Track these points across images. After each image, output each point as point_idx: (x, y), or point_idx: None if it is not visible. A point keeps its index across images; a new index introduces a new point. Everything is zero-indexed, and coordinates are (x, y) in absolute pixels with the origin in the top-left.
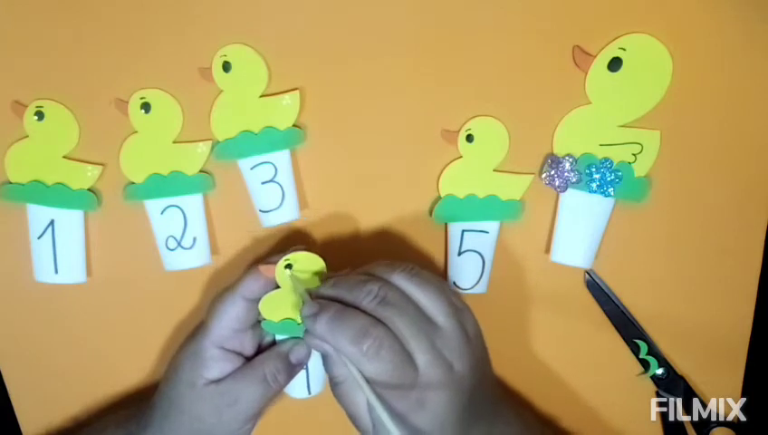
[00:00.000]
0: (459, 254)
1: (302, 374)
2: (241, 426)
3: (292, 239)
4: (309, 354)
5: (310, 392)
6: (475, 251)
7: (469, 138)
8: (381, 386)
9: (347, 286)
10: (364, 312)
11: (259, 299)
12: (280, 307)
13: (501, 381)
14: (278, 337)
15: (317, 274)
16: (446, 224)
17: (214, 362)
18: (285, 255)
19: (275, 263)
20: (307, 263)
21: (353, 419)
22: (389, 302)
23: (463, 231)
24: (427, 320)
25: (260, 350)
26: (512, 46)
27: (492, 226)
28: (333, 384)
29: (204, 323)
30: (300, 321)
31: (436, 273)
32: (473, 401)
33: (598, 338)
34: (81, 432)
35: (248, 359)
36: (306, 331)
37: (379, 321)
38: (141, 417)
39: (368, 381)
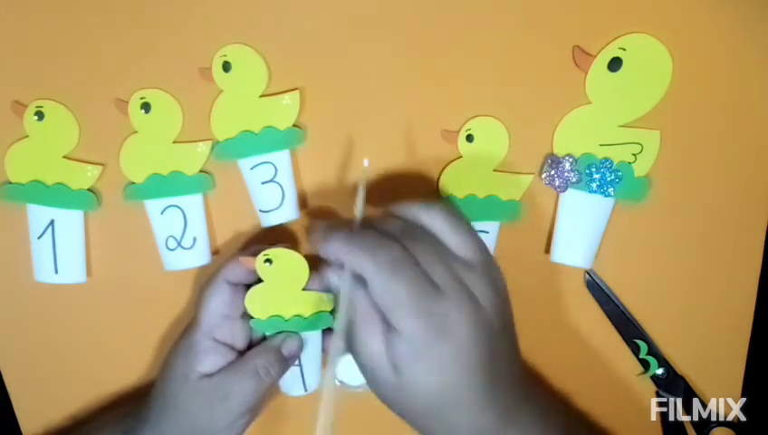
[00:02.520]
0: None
1: (296, 372)
2: (234, 420)
3: (292, 239)
4: (301, 347)
5: (306, 389)
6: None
7: (469, 138)
8: (402, 305)
9: (368, 218)
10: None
11: (243, 283)
12: (266, 303)
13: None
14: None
15: (297, 273)
16: None
17: (206, 355)
18: (266, 249)
19: (255, 255)
20: (288, 261)
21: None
22: (413, 235)
23: None
24: (452, 252)
25: (252, 345)
26: (512, 46)
27: (492, 226)
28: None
29: (194, 316)
30: (286, 317)
31: None
32: (497, 354)
33: (598, 338)
34: (81, 430)
35: (240, 353)
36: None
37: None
38: (139, 414)
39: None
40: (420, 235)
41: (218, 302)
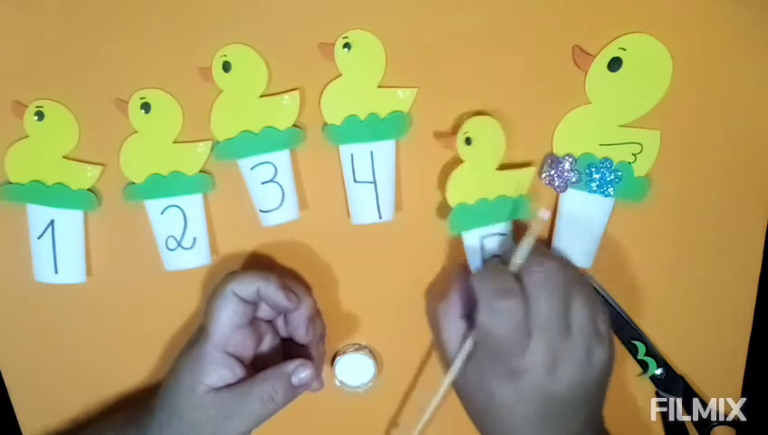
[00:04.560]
0: (483, 261)
1: (371, 196)
2: None
3: (292, 239)
4: (313, 377)
5: (381, 217)
6: (497, 256)
7: (468, 141)
8: (487, 341)
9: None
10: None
11: (251, 300)
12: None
13: None
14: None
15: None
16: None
17: (214, 367)
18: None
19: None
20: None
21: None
22: (550, 284)
23: (482, 238)
24: (566, 323)
25: (263, 356)
26: (512, 46)
27: (507, 226)
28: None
29: (203, 327)
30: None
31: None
32: (561, 417)
33: None
34: (81, 434)
35: (247, 364)
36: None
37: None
38: (140, 421)
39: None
40: (554, 289)
41: (228, 313)
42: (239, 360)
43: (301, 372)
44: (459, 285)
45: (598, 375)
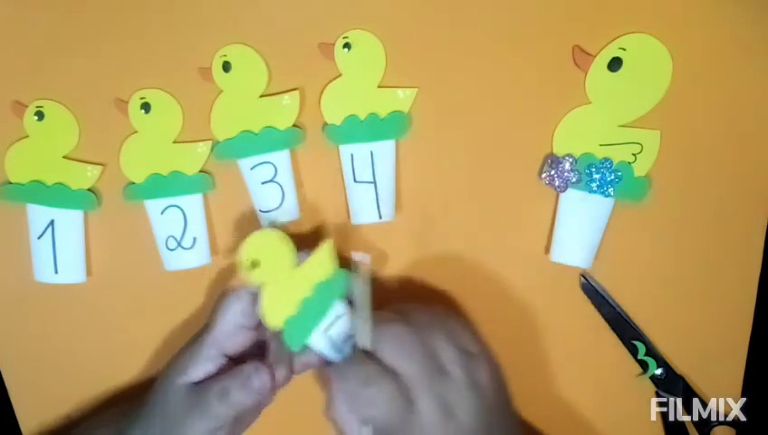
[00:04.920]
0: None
1: (371, 196)
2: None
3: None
4: (269, 383)
5: (381, 217)
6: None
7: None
8: (377, 426)
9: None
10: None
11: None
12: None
13: (530, 428)
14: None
15: (282, 249)
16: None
17: (203, 362)
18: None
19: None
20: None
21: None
22: (403, 345)
23: (324, 332)
24: (437, 366)
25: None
26: (512, 46)
27: (341, 307)
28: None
29: (208, 322)
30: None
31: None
32: (494, 425)
33: (597, 339)
34: (78, 428)
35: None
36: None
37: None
38: (132, 414)
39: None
40: (412, 349)
41: (236, 310)
42: (226, 357)
43: (255, 377)
44: (332, 385)
45: (492, 389)
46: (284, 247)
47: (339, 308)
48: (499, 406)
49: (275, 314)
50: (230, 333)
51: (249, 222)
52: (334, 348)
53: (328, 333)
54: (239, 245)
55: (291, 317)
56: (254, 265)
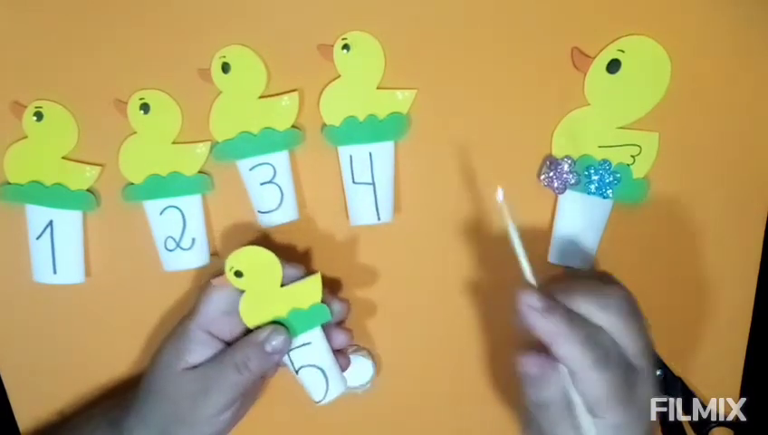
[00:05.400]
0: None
1: (370, 198)
2: (216, 414)
3: (291, 240)
4: (287, 343)
5: (379, 218)
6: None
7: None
8: (601, 402)
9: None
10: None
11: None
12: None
13: (491, 384)
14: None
15: (269, 268)
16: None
17: (196, 346)
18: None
19: (223, 273)
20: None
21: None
22: (631, 309)
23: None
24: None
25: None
26: (511, 48)
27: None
28: (536, 407)
29: (192, 307)
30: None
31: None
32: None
33: None
34: (70, 423)
35: (228, 345)
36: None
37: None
38: (125, 403)
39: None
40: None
41: (221, 296)
42: (223, 341)
43: (273, 338)
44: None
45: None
46: (270, 268)
47: (308, 337)
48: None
49: (249, 319)
50: (213, 318)
51: (248, 223)
52: (293, 368)
53: (290, 355)
54: (236, 249)
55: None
56: (238, 274)
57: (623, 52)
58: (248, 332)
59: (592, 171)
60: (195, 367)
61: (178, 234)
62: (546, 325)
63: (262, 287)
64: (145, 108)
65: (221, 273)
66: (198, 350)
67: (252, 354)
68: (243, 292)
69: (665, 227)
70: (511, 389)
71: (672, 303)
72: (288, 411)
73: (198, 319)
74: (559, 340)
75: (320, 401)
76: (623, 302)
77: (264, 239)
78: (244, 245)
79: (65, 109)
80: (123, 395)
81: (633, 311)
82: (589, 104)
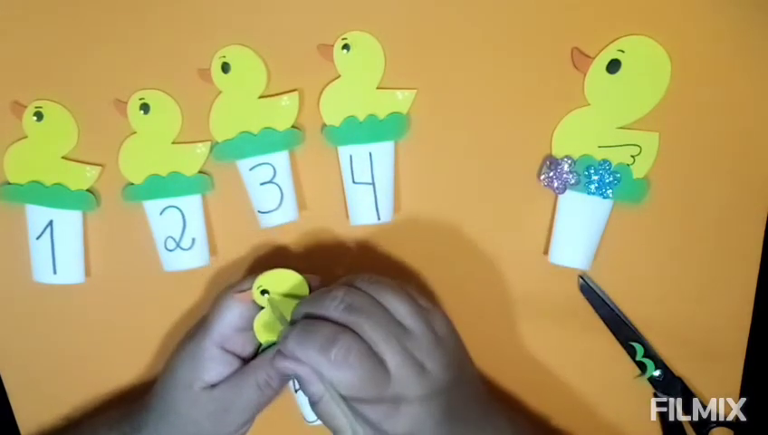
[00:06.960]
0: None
1: (370, 198)
2: (236, 430)
3: (291, 240)
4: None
5: (379, 218)
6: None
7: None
8: (355, 396)
9: (313, 298)
10: (333, 321)
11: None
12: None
13: (491, 385)
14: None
15: (296, 290)
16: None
17: (212, 364)
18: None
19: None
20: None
21: (336, 433)
22: (356, 307)
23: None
24: (396, 323)
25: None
26: (511, 48)
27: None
28: (312, 403)
29: (205, 322)
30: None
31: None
32: (452, 402)
33: (596, 340)
34: (77, 429)
35: (245, 361)
36: (277, 352)
37: (347, 327)
38: (135, 417)
39: (341, 394)
40: (364, 306)
41: (234, 314)
42: (237, 356)
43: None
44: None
45: (452, 341)
46: (298, 291)
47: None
48: (461, 358)
49: (262, 335)
50: (227, 336)
51: (248, 223)
52: (293, 387)
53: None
54: (239, 246)
55: (272, 342)
56: (263, 292)
57: (623, 52)
58: (259, 346)
59: (592, 171)
60: (214, 385)
61: (178, 234)
62: (283, 362)
63: (284, 307)
64: (145, 108)
65: (222, 273)
66: (215, 368)
67: (274, 374)
68: (261, 308)
69: (665, 227)
70: (511, 389)
71: (671, 303)
72: (287, 412)
73: (213, 336)
74: (297, 355)
75: (312, 422)
76: (390, 281)
77: (264, 239)
78: (244, 245)
79: (65, 109)
80: (129, 406)
81: (399, 285)
82: (589, 104)
